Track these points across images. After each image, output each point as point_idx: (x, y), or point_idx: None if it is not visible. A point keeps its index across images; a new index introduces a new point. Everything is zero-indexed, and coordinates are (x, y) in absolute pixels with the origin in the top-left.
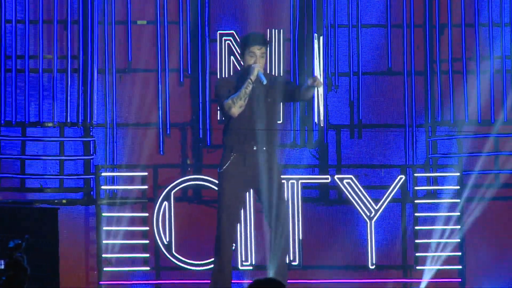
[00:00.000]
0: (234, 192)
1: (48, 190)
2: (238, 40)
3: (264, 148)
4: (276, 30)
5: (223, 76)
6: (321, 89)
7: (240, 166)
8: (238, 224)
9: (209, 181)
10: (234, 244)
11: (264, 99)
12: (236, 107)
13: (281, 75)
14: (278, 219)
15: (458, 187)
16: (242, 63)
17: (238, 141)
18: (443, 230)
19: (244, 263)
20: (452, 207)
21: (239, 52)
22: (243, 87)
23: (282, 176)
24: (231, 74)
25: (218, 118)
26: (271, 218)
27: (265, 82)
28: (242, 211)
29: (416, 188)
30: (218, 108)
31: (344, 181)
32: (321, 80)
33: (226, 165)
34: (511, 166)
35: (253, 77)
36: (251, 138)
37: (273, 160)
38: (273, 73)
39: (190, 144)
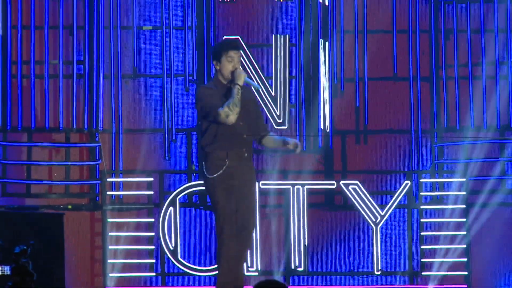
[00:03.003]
0: (230, 198)
1: (54, 195)
2: (213, 46)
3: (250, 155)
4: (282, 36)
5: (200, 86)
6: (326, 95)
7: (233, 173)
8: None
9: None
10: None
11: (248, 104)
12: (234, 114)
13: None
14: (247, 228)
15: (464, 193)
16: (218, 69)
17: (231, 148)
18: (449, 236)
19: (249, 269)
20: (458, 213)
21: (213, 56)
22: (235, 94)
23: (283, 182)
24: (203, 85)
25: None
26: (242, 226)
27: (259, 88)
28: None
29: (422, 193)
30: (206, 116)
31: (350, 187)
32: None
33: (221, 171)
34: None
35: (241, 82)
36: (243, 145)
37: (253, 168)
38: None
39: (195, 150)
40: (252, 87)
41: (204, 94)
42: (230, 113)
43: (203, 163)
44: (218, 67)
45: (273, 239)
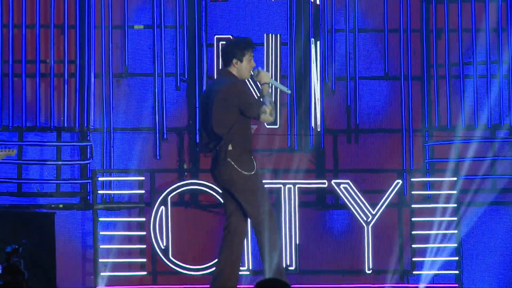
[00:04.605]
0: (265, 191)
1: (45, 194)
2: (233, 43)
3: None
4: (273, 35)
5: (233, 80)
6: (318, 94)
7: (257, 168)
8: None
9: (206, 186)
10: None
11: None
12: (274, 113)
13: None
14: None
15: (455, 192)
16: (237, 67)
17: (251, 145)
18: (440, 235)
19: (241, 268)
20: (449, 211)
21: (234, 54)
22: (269, 93)
23: (275, 181)
24: (235, 80)
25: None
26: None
27: (289, 91)
28: None
29: (413, 192)
30: (243, 111)
31: (341, 186)
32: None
33: (254, 166)
34: (507, 171)
35: (267, 81)
36: (254, 142)
37: None
38: None
39: (187, 149)
40: (279, 89)
41: (245, 91)
42: (273, 112)
43: (233, 163)
44: (237, 66)
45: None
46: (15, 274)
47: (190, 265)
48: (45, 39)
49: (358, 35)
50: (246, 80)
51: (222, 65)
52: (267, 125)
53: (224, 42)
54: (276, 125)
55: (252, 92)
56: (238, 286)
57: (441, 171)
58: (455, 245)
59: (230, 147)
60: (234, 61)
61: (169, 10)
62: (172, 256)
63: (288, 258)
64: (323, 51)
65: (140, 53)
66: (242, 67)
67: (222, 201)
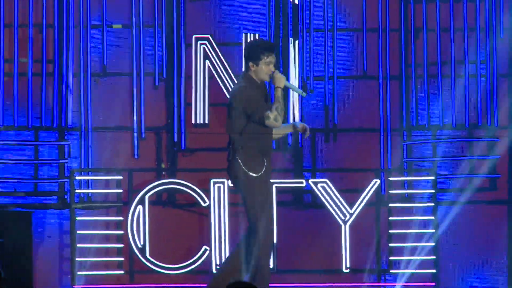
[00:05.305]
0: (269, 196)
1: (22, 193)
2: (251, 46)
3: None
4: (252, 34)
5: (241, 86)
6: (296, 93)
7: (270, 171)
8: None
9: (184, 185)
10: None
11: None
12: (281, 118)
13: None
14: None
15: (433, 191)
16: (253, 70)
17: (267, 147)
18: (418, 234)
19: (218, 267)
20: (426, 211)
21: (250, 57)
22: (280, 98)
23: None
24: (243, 85)
25: (194, 122)
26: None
27: (304, 94)
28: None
29: (390, 192)
30: (250, 117)
31: (319, 185)
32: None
33: (264, 170)
34: (484, 170)
35: (282, 85)
36: (271, 145)
37: None
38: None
39: (165, 148)
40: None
41: (251, 96)
42: (279, 118)
43: (241, 162)
44: (253, 68)
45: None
46: None
47: (167, 264)
48: (23, 38)
49: (336, 35)
50: (265, 83)
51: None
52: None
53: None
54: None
55: (257, 97)
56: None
57: (419, 170)
58: (432, 244)
59: (240, 148)
60: (251, 64)
61: (148, 10)
62: (150, 255)
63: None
64: (301, 50)
65: (119, 52)
66: (259, 70)
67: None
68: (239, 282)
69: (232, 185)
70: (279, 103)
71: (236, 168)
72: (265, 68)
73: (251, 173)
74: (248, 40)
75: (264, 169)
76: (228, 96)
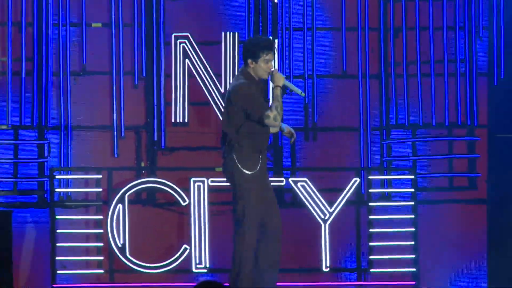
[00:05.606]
0: (261, 195)
1: (2, 192)
2: (250, 43)
3: None
4: (231, 33)
5: (241, 82)
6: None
7: (264, 169)
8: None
9: (163, 184)
10: None
11: None
12: (281, 117)
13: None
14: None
15: (412, 190)
16: (252, 67)
17: (264, 144)
18: (397, 233)
19: (198, 266)
20: (406, 209)
21: (249, 54)
22: (279, 97)
23: None
24: (243, 81)
25: (173, 121)
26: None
27: (303, 94)
28: None
29: (370, 190)
30: (249, 115)
31: (299, 184)
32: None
33: (258, 168)
34: (464, 169)
35: (281, 84)
36: (267, 142)
37: None
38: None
39: (144, 147)
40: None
41: (250, 95)
42: (278, 117)
43: (236, 159)
44: (252, 66)
45: (222, 237)
46: None
47: (147, 263)
48: (2, 37)
49: (316, 33)
50: (262, 81)
51: (242, 63)
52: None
53: (183, 40)
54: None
55: (257, 96)
56: (191, 284)
57: (399, 169)
58: (412, 243)
59: (236, 145)
60: (249, 61)
61: (127, 8)
62: (129, 254)
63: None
64: (281, 49)
65: (98, 51)
66: (258, 68)
67: None
68: (207, 282)
69: (227, 182)
70: (278, 102)
71: (231, 166)
72: (264, 65)
73: (245, 171)
74: (249, 37)
75: (258, 167)
76: (226, 93)
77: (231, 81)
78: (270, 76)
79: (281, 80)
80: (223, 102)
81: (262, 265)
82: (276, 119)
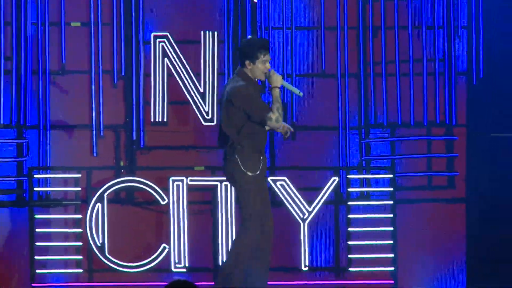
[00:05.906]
0: (264, 195)
1: None
2: (247, 43)
3: None
4: (210, 32)
5: (240, 84)
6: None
7: (265, 169)
8: None
9: (143, 183)
10: None
11: None
12: (282, 118)
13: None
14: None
15: (391, 189)
16: (249, 68)
17: (263, 144)
18: (376, 232)
19: (177, 265)
20: (384, 209)
21: (246, 55)
22: (279, 98)
23: (211, 178)
24: (242, 83)
25: (153, 120)
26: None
27: (301, 94)
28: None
29: (349, 190)
30: (249, 117)
31: (278, 183)
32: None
33: (260, 169)
34: (442, 168)
35: (279, 85)
36: (266, 141)
37: None
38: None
39: (123, 146)
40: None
41: (250, 96)
42: (280, 118)
43: (239, 161)
44: (249, 67)
45: (201, 236)
46: None
47: (126, 262)
48: None
49: (295, 33)
50: (260, 82)
51: (239, 64)
52: (204, 122)
53: (162, 40)
54: (213, 122)
55: (256, 97)
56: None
57: (377, 168)
58: (391, 242)
59: (239, 147)
60: (247, 62)
61: (106, 7)
62: (108, 254)
63: (225, 255)
64: None
65: (77, 50)
66: (255, 69)
67: None
68: (178, 281)
69: (228, 183)
70: (278, 103)
71: (233, 167)
72: (261, 66)
73: (248, 173)
74: (244, 38)
75: (260, 168)
76: (225, 94)
77: (227, 83)
78: (268, 78)
79: (279, 80)
80: (204, 101)
81: (255, 265)
82: (278, 121)
